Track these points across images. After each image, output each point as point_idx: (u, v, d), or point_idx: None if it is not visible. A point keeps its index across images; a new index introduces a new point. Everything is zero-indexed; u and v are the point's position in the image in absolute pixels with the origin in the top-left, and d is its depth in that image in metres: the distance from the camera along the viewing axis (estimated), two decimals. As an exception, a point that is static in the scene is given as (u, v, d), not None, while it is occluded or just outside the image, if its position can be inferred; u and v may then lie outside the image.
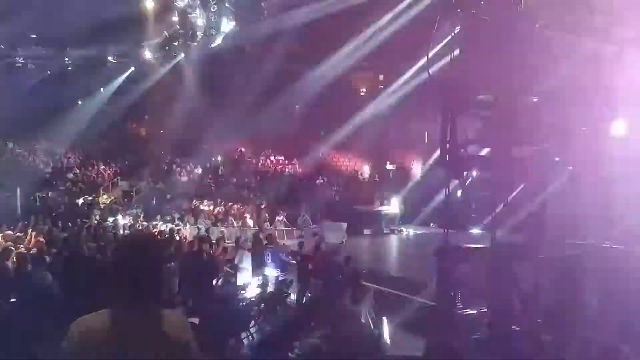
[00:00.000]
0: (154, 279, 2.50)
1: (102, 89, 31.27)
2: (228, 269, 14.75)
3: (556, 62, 8.59)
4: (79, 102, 31.32)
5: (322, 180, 30.76)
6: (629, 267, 6.51)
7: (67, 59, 30.21)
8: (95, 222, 19.94)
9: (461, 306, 5.82)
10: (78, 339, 2.45)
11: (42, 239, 14.50)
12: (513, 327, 5.56)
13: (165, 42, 29.05)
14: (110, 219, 20.87)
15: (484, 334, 5.60)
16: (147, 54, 30.00)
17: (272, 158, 33.33)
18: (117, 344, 2.37)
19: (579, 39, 7.43)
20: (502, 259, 5.41)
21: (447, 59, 6.18)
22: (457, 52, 6.19)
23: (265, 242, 15.37)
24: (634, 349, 5.74)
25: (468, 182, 6.13)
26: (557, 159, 6.21)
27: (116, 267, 2.54)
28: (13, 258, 10.76)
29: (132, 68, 30.94)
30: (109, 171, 30.54)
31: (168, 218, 22.04)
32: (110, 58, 30.67)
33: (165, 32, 28.64)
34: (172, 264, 13.37)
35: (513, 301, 5.47)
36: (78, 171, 29.54)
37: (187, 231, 17.95)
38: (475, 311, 5.82)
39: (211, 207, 26.42)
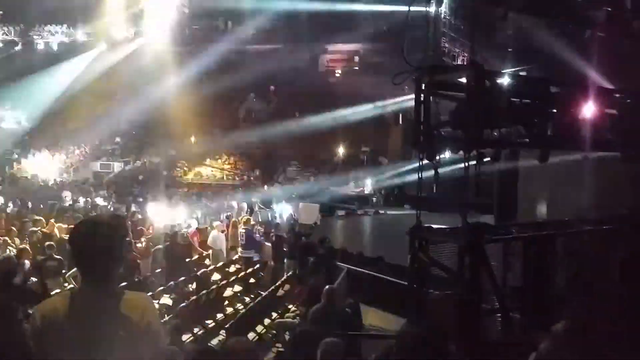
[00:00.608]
0: (109, 261, 2.48)
1: (69, 68, 30.55)
2: (202, 251, 14.73)
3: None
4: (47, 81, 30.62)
5: (296, 162, 30.74)
6: (595, 247, 6.66)
7: (34, 37, 29.49)
8: (67, 203, 19.70)
9: (432, 286, 5.89)
10: (40, 322, 2.45)
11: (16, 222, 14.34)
12: (483, 305, 5.66)
13: (135, 19, 28.53)
14: (82, 200, 20.60)
15: (453, 313, 5.69)
16: (116, 32, 29.42)
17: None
18: (77, 325, 2.36)
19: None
20: (472, 240, 5.49)
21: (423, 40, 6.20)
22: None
23: (239, 223, 15.34)
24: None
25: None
26: (527, 139, 6.28)
27: (73, 250, 2.53)
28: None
29: (102, 46, 30.27)
30: (78, 151, 30.08)
31: (141, 199, 21.84)
32: (78, 37, 30.03)
33: (135, 8, 28.13)
34: (143, 244, 13.31)
35: (483, 281, 5.56)
36: (47, 152, 29.04)
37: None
38: (446, 291, 5.90)
39: (185, 189, 26.24)
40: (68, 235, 2.65)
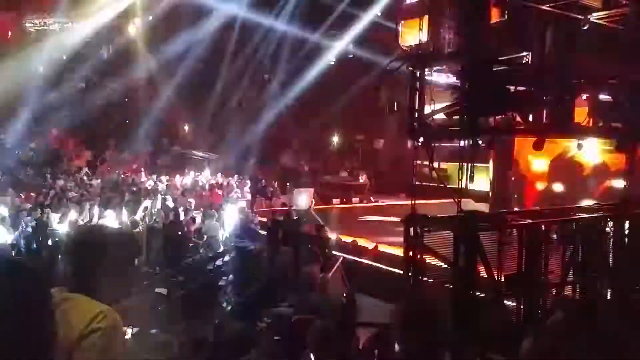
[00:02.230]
0: (100, 274, 2.32)
1: (63, 56, 30.15)
2: (196, 240, 14.69)
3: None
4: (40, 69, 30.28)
5: (292, 150, 30.68)
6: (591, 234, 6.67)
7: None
8: (60, 191, 19.59)
9: (427, 274, 5.89)
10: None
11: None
12: (477, 294, 5.66)
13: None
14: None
15: (448, 302, 5.70)
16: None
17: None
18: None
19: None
20: (467, 228, 5.48)
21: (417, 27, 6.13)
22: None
23: (234, 211, 15.31)
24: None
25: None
26: (522, 127, 6.26)
27: (67, 251, 2.43)
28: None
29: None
30: (71, 141, 29.89)
31: (134, 189, 21.73)
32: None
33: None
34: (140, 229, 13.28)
35: (478, 269, 5.56)
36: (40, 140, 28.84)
37: (156, 202, 17.73)
38: (440, 279, 5.90)
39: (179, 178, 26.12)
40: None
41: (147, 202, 16.34)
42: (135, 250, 2.40)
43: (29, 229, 12.23)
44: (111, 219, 13.64)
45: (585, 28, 7.58)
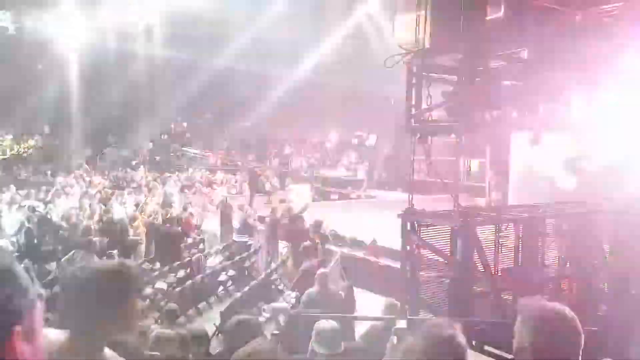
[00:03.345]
0: (101, 315, 2.26)
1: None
2: (196, 235, 14.74)
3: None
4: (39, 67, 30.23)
5: (290, 147, 30.71)
6: (587, 229, 6.72)
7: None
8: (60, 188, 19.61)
9: (424, 268, 5.95)
10: None
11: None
12: (474, 288, 5.72)
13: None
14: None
15: (444, 295, 5.76)
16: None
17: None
18: None
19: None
20: (464, 222, 5.53)
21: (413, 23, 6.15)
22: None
23: (233, 207, 15.35)
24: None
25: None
26: (519, 122, 6.30)
27: (64, 293, 2.34)
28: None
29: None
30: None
31: (134, 185, 21.77)
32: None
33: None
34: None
35: (475, 262, 5.61)
36: (39, 138, 28.85)
37: (155, 198, 17.76)
38: (437, 273, 5.95)
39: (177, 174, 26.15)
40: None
41: (147, 198, 16.40)
42: (132, 284, 2.21)
43: (30, 225, 12.26)
44: (110, 215, 13.72)
45: (582, 23, 7.61)
